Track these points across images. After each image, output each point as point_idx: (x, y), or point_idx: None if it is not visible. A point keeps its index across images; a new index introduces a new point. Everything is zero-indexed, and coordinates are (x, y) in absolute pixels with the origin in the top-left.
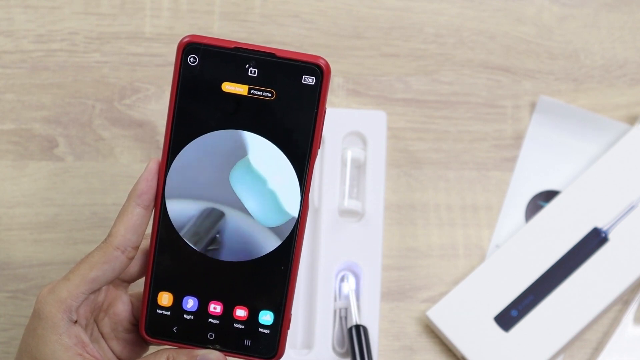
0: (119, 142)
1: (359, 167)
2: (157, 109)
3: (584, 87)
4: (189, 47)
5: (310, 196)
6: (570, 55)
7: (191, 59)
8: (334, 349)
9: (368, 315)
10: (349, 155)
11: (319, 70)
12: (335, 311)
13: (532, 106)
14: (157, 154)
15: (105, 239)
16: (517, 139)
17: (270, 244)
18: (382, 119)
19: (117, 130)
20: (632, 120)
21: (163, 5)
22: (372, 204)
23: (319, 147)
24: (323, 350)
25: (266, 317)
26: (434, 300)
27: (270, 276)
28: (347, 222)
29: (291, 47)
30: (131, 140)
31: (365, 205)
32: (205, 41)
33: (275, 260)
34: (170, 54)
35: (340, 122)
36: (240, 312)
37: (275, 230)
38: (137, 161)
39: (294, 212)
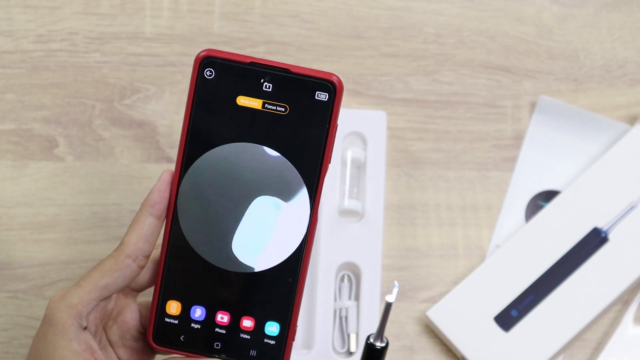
0: (119, 142)
1: (359, 167)
2: (157, 109)
3: (584, 87)
4: (205, 60)
5: None
6: (570, 55)
7: (207, 73)
8: (334, 349)
9: (368, 316)
10: (349, 155)
11: (332, 87)
12: (335, 311)
13: (532, 106)
14: (157, 154)
15: (117, 247)
16: (517, 139)
17: (279, 255)
18: (382, 119)
19: (117, 130)
20: (632, 120)
21: (163, 5)
22: (372, 204)
23: (330, 162)
24: (323, 350)
25: (272, 328)
26: (434, 300)
27: (278, 288)
28: (347, 222)
29: (291, 47)
30: (131, 140)
31: (365, 205)
32: (221, 55)
33: (283, 272)
34: (170, 54)
35: (340, 122)
36: (247, 323)
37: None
38: (137, 161)
39: (303, 227)
